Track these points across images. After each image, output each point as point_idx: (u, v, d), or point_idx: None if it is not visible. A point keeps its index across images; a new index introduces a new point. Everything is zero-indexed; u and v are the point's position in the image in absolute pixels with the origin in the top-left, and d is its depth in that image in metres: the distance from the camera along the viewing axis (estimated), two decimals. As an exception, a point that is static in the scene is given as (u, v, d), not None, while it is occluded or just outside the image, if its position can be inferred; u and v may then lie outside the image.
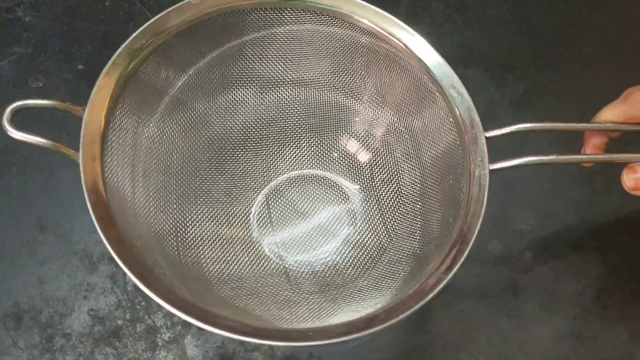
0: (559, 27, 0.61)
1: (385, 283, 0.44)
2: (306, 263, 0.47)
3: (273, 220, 0.48)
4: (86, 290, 0.46)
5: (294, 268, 0.46)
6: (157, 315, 0.46)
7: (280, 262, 0.46)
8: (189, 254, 0.44)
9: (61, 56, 0.55)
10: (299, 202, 0.49)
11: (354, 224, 0.48)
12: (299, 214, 0.49)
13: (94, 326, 0.45)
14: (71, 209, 0.49)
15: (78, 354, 0.44)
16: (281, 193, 0.49)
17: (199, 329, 0.45)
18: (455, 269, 0.35)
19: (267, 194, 0.49)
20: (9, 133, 0.35)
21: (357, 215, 0.49)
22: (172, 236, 0.43)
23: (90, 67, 0.55)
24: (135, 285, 0.46)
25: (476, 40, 0.59)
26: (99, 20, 0.56)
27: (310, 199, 0.49)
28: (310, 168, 0.50)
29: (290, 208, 0.49)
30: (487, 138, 0.40)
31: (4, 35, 0.55)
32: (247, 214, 0.48)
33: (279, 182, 0.50)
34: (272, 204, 0.49)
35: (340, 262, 0.47)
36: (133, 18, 0.57)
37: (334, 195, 0.50)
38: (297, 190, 0.50)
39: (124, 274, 0.47)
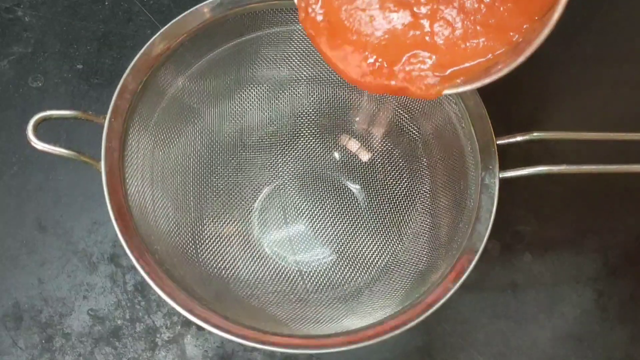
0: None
1: (389, 286, 0.44)
2: (306, 262, 0.47)
3: (272, 220, 0.48)
4: (86, 290, 0.46)
5: (296, 267, 0.46)
6: (157, 315, 0.46)
7: (280, 262, 0.46)
8: (203, 254, 0.44)
9: (61, 56, 0.55)
10: (300, 201, 0.49)
11: (354, 224, 0.48)
12: (300, 213, 0.49)
13: (94, 326, 0.45)
14: (71, 209, 0.49)
15: (78, 354, 0.44)
16: (282, 193, 0.49)
17: (199, 328, 0.45)
18: (462, 279, 0.36)
19: (268, 193, 0.49)
20: (33, 144, 0.35)
21: (357, 214, 0.49)
22: (189, 237, 0.44)
23: (90, 66, 0.54)
24: (135, 285, 0.47)
25: (476, 40, 0.59)
26: (99, 20, 0.56)
27: (311, 198, 0.49)
28: (311, 168, 0.50)
29: (291, 208, 0.49)
30: (497, 145, 0.40)
31: (4, 35, 0.55)
32: (249, 212, 0.48)
33: (279, 182, 0.50)
34: (272, 203, 0.49)
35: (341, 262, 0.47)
36: (133, 18, 0.57)
37: (335, 195, 0.50)
38: (298, 190, 0.50)
39: (124, 273, 0.47)
